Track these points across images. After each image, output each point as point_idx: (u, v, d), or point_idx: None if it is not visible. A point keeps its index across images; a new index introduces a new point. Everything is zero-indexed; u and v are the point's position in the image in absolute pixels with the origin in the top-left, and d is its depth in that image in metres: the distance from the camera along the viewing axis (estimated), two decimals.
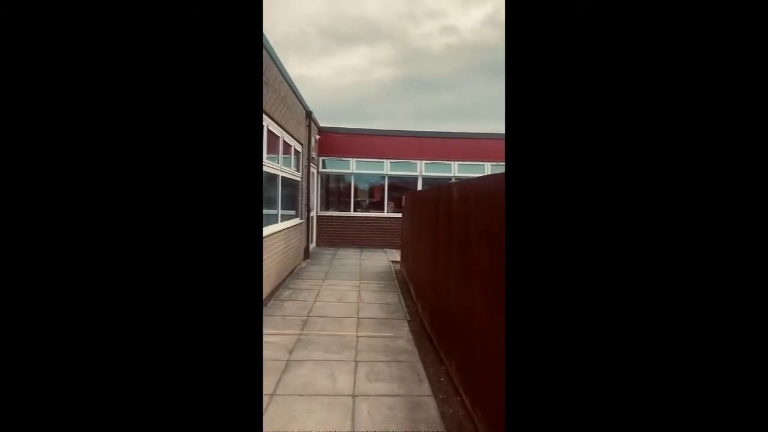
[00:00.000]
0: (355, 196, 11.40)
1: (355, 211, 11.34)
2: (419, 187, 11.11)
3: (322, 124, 10.72)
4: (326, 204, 11.55)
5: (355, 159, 11.16)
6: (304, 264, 8.46)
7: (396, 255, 9.89)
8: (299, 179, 8.42)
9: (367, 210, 11.53)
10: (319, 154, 10.97)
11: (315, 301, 5.68)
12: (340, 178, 11.60)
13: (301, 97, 8.07)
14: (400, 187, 11.37)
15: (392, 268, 8.34)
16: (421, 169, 11.22)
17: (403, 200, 7.86)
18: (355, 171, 11.19)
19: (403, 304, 5.63)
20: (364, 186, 11.69)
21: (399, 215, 11.11)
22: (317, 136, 10.55)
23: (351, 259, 9.35)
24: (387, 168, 11.19)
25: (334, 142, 11.08)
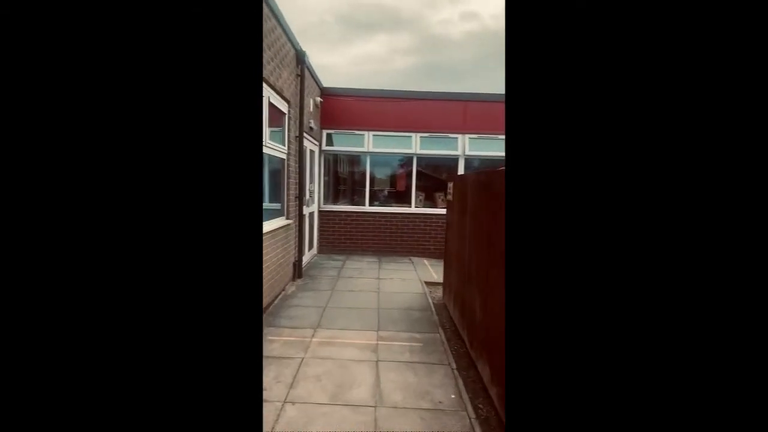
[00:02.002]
0: (371, 185, 8.28)
1: (371, 204, 8.26)
2: (461, 170, 7.99)
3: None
4: (333, 195, 8.52)
5: (371, 132, 8.05)
6: (291, 289, 5.48)
7: (431, 270, 6.82)
8: (284, 157, 5.41)
9: (387, 203, 8.42)
10: (323, 126, 7.92)
11: (285, 402, 2.70)
12: (351, 158, 8.53)
13: (286, 24, 5.01)
14: (430, 176, 8.25)
15: (429, 297, 5.27)
16: (465, 146, 8.04)
17: (449, 189, 4.77)
18: (371, 149, 8.08)
19: (471, 414, 2.60)
20: (384, 170, 8.58)
21: (430, 211, 8.03)
22: (319, 99, 7.51)
23: (365, 278, 6.30)
24: (416, 145, 8.06)
25: (343, 109, 7.99)
